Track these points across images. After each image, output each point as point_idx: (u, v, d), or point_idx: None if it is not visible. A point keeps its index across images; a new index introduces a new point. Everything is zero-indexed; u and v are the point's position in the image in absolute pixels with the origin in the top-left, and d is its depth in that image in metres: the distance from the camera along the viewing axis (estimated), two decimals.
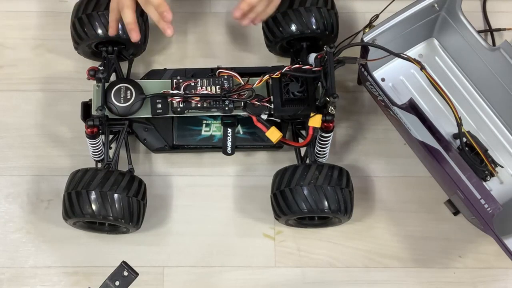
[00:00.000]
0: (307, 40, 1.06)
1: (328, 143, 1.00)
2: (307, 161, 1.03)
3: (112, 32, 1.01)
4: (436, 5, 1.03)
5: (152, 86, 0.99)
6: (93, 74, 0.98)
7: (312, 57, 0.97)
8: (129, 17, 0.97)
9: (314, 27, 1.03)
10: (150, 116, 0.98)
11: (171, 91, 0.97)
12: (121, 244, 1.04)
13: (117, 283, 0.84)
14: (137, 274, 0.84)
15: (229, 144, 1.02)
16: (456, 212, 1.05)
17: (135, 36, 0.97)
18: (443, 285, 1.04)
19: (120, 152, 1.01)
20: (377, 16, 1.08)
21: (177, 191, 1.07)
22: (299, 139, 1.05)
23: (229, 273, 1.04)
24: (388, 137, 1.11)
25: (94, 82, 0.99)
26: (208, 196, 1.07)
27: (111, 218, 0.95)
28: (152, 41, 1.12)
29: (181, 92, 0.96)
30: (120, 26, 1.02)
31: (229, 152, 1.02)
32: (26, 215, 1.06)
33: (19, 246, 1.04)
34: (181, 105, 0.97)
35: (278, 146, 1.05)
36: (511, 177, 1.07)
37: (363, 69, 1.00)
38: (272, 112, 0.97)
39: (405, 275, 1.04)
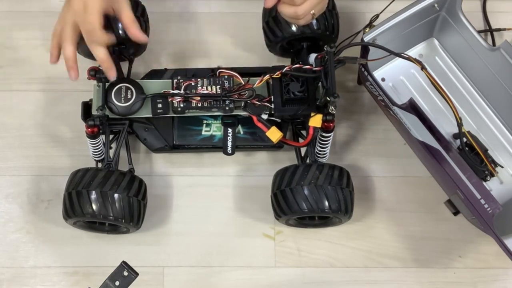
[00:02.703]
0: (307, 40, 1.06)
1: (328, 143, 1.00)
2: (308, 161, 1.03)
3: (53, 60, 0.95)
4: (436, 5, 1.03)
5: (153, 86, 0.99)
6: (93, 74, 0.98)
7: (312, 57, 0.97)
8: (69, 52, 0.91)
9: (315, 27, 1.03)
10: (151, 116, 0.98)
11: (172, 91, 0.97)
12: (121, 244, 1.04)
13: (117, 283, 0.84)
14: (137, 274, 0.84)
15: (229, 144, 1.02)
16: (456, 212, 1.05)
17: (111, 74, 0.94)
18: (443, 285, 1.04)
19: (120, 152, 1.01)
20: (377, 16, 1.08)
21: (177, 191, 1.07)
22: (300, 139, 1.05)
23: (229, 273, 1.04)
24: (388, 137, 1.11)
25: (95, 82, 0.99)
26: (208, 196, 1.07)
27: (111, 218, 0.95)
28: (152, 41, 1.11)
29: (182, 92, 0.97)
30: (119, 26, 1.02)
31: (229, 152, 1.02)
32: (26, 215, 1.05)
33: (19, 246, 1.04)
34: (181, 105, 0.97)
35: (278, 146, 1.05)
36: (511, 177, 1.07)
37: (363, 69, 1.01)
38: (272, 112, 0.98)
39: (405, 275, 1.04)
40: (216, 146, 1.05)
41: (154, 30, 1.11)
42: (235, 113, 0.98)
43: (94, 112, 0.97)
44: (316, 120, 0.96)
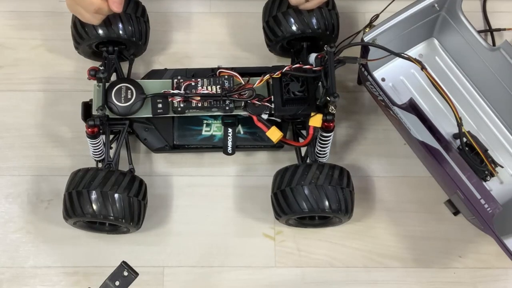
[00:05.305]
0: (307, 40, 1.06)
1: (328, 143, 1.00)
2: (308, 161, 1.03)
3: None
4: (436, 5, 1.03)
5: (153, 86, 0.99)
6: (93, 74, 0.98)
7: (312, 57, 0.97)
8: None
9: (315, 27, 1.03)
10: (151, 116, 0.98)
11: (172, 91, 0.97)
12: (121, 244, 1.04)
13: (117, 283, 0.84)
14: (137, 274, 0.84)
15: (229, 144, 1.02)
16: (456, 212, 1.05)
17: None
18: (443, 285, 1.04)
19: (120, 152, 1.01)
20: (377, 16, 1.08)
21: (177, 191, 1.07)
22: (300, 139, 1.05)
23: (229, 273, 1.04)
24: (388, 137, 1.11)
25: (95, 82, 0.99)
26: (208, 196, 1.07)
27: (111, 218, 0.95)
28: (152, 41, 1.12)
29: (182, 92, 0.97)
30: (120, 25, 1.02)
31: (230, 152, 1.02)
32: (26, 215, 1.05)
33: (19, 246, 1.04)
34: (181, 105, 0.97)
35: (278, 146, 1.05)
36: (511, 177, 1.07)
37: (363, 69, 1.01)
38: (272, 112, 0.98)
39: (405, 275, 1.04)
40: (216, 146, 1.05)
41: (154, 30, 1.11)
42: (235, 113, 0.98)
43: (94, 112, 0.97)
44: (316, 120, 0.96)
